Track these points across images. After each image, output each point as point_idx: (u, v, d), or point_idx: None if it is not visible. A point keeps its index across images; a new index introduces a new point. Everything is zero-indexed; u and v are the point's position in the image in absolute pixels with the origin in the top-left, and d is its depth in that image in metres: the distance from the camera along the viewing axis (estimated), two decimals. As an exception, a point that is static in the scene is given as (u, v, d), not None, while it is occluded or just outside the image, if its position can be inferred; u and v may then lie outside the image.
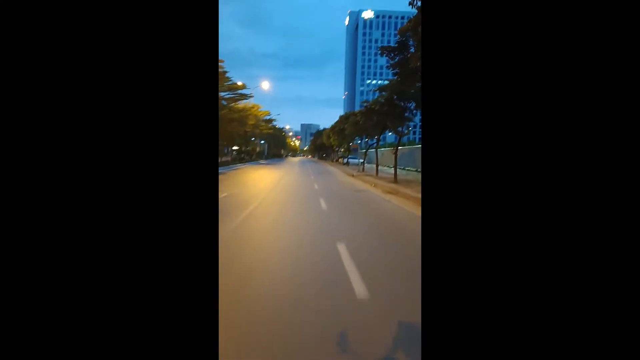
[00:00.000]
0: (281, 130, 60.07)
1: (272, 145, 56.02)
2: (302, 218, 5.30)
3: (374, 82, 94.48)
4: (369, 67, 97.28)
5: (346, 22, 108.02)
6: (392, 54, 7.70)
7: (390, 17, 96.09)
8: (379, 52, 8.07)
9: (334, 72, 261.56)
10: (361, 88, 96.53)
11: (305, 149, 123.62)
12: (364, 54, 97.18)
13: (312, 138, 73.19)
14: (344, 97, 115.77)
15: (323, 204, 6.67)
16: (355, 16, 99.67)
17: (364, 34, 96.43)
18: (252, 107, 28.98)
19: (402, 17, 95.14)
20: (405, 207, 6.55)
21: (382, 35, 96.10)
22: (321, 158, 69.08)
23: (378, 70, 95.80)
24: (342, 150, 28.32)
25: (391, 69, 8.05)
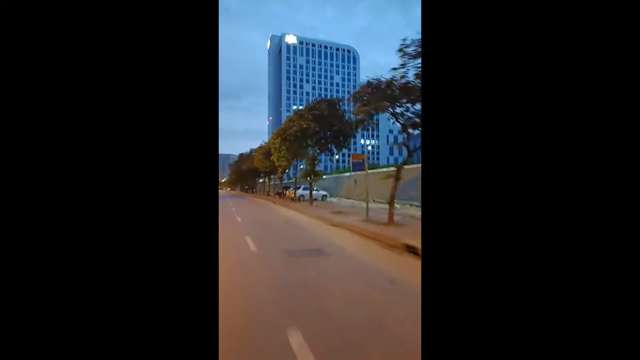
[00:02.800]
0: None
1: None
2: None
3: (300, 107, 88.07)
4: (295, 92, 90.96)
5: (268, 46, 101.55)
6: None
7: (313, 44, 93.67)
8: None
9: (252, 103, 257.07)
10: (287, 113, 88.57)
11: (223, 180, 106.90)
12: (288, 78, 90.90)
13: (232, 166, 59.03)
14: (268, 122, 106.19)
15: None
16: (278, 40, 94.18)
17: (288, 59, 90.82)
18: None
19: (326, 47, 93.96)
20: None
21: (307, 62, 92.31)
22: (244, 190, 55.55)
23: (304, 97, 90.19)
24: (300, 175, 16.46)
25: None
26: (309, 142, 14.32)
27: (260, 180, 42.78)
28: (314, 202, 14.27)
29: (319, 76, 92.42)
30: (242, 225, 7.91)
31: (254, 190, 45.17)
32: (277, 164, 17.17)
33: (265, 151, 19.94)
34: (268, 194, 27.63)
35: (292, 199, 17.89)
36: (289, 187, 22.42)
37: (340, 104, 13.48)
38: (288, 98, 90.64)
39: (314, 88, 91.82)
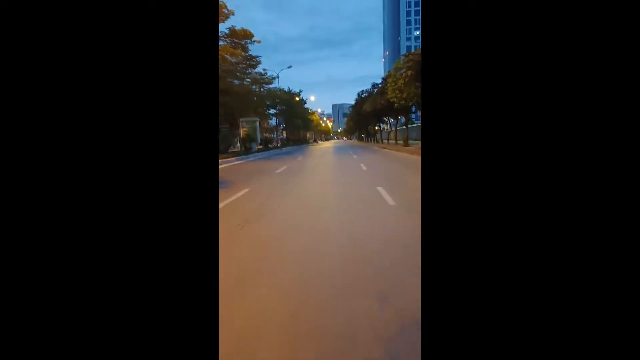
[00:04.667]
0: (291, 94, 34.14)
1: (289, 124, 36.31)
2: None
3: (424, 32, 70.01)
4: (417, 12, 72.60)
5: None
6: None
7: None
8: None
9: (362, 49, 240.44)
10: (407, 43, 72.75)
11: (339, 130, 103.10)
12: (408, -4, 72.49)
13: (349, 113, 52.14)
14: (383, 59, 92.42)
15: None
16: (394, -53, 74.61)
17: (408, -30, 71.47)
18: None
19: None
20: None
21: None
22: (361, 139, 48.31)
23: (429, 17, 70.78)
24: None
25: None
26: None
27: (378, 128, 33.53)
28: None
29: (451, -17, 69.78)
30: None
31: (375, 139, 37.01)
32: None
33: (414, 64, 11.21)
34: (406, 144, 19.19)
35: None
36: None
37: None
38: (409, 22, 73.78)
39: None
